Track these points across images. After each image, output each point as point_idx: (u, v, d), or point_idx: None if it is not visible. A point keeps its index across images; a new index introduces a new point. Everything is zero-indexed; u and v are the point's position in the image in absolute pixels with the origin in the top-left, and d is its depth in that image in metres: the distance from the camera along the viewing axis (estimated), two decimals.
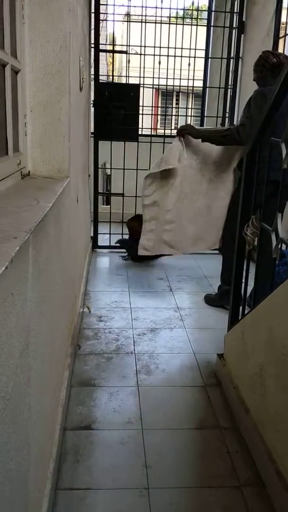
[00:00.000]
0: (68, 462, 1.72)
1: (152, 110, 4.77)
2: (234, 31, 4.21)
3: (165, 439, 1.88)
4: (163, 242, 3.24)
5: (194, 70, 4.40)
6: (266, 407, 1.69)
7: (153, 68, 4.23)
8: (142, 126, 4.52)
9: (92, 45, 3.91)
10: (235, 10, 4.13)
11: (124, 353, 2.53)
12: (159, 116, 8.20)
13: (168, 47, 4.20)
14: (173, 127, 5.57)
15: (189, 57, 4.32)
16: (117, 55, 6.21)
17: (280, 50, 3.86)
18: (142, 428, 1.93)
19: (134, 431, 1.91)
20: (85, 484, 1.62)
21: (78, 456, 1.75)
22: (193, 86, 4.49)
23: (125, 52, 4.25)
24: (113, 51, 4.51)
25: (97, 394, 2.15)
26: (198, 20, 4.42)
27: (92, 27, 3.86)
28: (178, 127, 3.16)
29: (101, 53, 4.11)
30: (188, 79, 4.42)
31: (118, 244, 4.20)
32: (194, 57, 4.34)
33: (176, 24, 4.31)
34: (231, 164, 3.18)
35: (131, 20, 4.19)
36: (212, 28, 4.81)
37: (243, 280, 2.22)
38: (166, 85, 4.45)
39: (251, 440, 1.81)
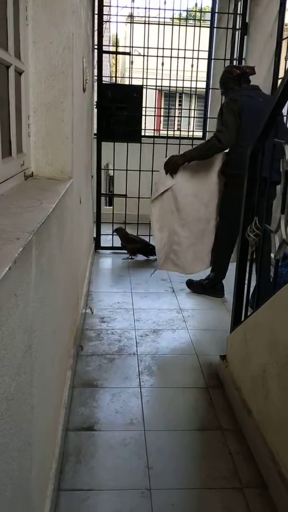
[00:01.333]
0: (70, 463, 1.72)
1: (155, 111, 4.76)
2: (237, 32, 4.21)
3: (167, 440, 1.88)
4: (170, 260, 3.33)
5: (197, 72, 4.40)
6: (268, 408, 1.69)
7: (156, 69, 4.24)
8: (145, 127, 4.52)
9: (95, 47, 3.92)
10: (238, 12, 4.13)
11: (126, 354, 2.53)
12: (162, 117, 8.21)
13: (171, 49, 4.21)
14: (175, 128, 5.57)
15: (192, 58, 4.32)
16: (120, 56, 6.22)
17: (283, 51, 3.86)
18: (144, 429, 1.93)
19: (136, 432, 1.91)
20: (87, 485, 1.62)
21: (80, 457, 1.75)
22: (196, 88, 4.49)
23: (128, 54, 4.25)
24: (116, 53, 4.52)
25: (100, 395, 2.15)
26: (201, 21, 4.41)
27: (95, 28, 3.87)
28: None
29: (104, 54, 4.12)
30: (191, 80, 4.42)
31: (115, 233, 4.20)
32: (197, 58, 4.34)
33: (179, 25, 4.31)
34: (220, 188, 3.28)
35: (134, 21, 4.20)
36: (215, 29, 4.82)
37: (246, 282, 2.22)
38: (169, 86, 4.45)
39: (253, 442, 1.81)
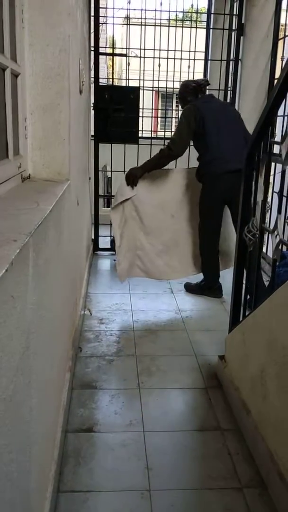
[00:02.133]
0: (69, 465, 1.72)
1: (152, 112, 4.77)
2: (233, 33, 4.22)
3: (166, 441, 1.88)
4: (136, 266, 3.40)
5: (194, 72, 4.41)
6: (267, 408, 1.69)
7: (153, 71, 4.25)
8: (142, 128, 4.53)
9: (92, 48, 3.92)
10: (234, 12, 4.14)
11: (125, 355, 2.53)
12: (159, 119, 8.23)
13: (168, 50, 4.21)
14: (173, 130, 5.57)
15: (189, 59, 4.33)
16: (117, 58, 6.22)
17: (280, 51, 3.87)
18: (143, 430, 1.93)
19: (136, 433, 1.91)
20: (87, 487, 1.62)
21: (80, 459, 1.75)
22: None
23: (125, 55, 4.26)
24: (113, 54, 4.52)
25: (99, 396, 2.16)
26: (198, 22, 4.42)
27: (92, 30, 3.88)
28: None
29: (101, 56, 4.12)
30: None
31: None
32: (194, 59, 4.35)
33: (176, 26, 4.32)
34: (191, 199, 3.40)
35: (130, 23, 4.20)
36: (211, 30, 4.83)
37: (244, 282, 2.23)
38: (166, 88, 4.46)
39: (252, 442, 1.81)
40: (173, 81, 4.40)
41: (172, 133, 3.64)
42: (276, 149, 2.36)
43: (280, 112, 2.93)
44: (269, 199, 3.64)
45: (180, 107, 3.58)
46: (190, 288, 3.52)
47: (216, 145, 3.12)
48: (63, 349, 1.96)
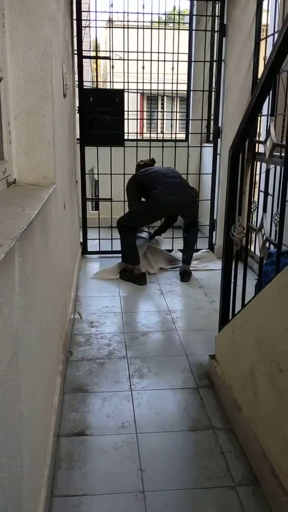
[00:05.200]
0: (62, 469, 1.71)
1: (137, 114, 4.78)
2: (215, 34, 4.25)
3: (159, 442, 1.88)
4: None
5: (177, 74, 4.43)
6: (258, 405, 1.70)
7: (137, 73, 4.26)
8: (128, 131, 4.53)
9: (75, 52, 3.92)
10: (216, 14, 4.17)
11: (116, 358, 2.53)
12: (145, 121, 8.24)
13: (151, 52, 4.23)
14: (159, 131, 5.58)
15: (173, 61, 4.35)
16: (101, 61, 6.22)
17: (262, 52, 3.90)
18: (136, 432, 1.93)
19: (128, 435, 1.91)
20: (81, 491, 1.62)
21: (73, 463, 1.75)
22: (177, 90, 4.52)
23: (108, 58, 4.27)
24: (96, 57, 4.53)
25: (90, 399, 2.15)
26: (180, 24, 4.44)
27: (75, 33, 3.87)
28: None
29: (85, 59, 4.12)
30: (172, 83, 4.45)
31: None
32: (178, 61, 4.37)
33: (159, 29, 4.33)
34: None
35: (113, 26, 4.21)
36: (194, 32, 4.85)
37: (232, 281, 2.24)
38: (151, 90, 4.47)
39: (244, 439, 1.82)
40: (158, 83, 4.42)
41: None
42: (261, 148, 2.38)
43: (265, 111, 2.95)
44: (255, 198, 3.66)
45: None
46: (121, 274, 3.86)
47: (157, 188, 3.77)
48: (53, 353, 1.95)
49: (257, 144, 3.37)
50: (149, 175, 3.90)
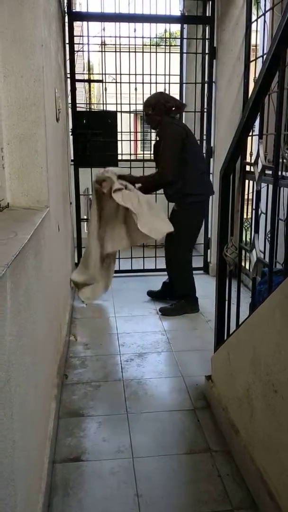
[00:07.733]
0: (58, 496, 1.69)
1: (130, 135, 4.84)
2: (206, 56, 4.33)
3: (156, 466, 1.86)
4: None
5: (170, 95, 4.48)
6: (254, 427, 1.69)
7: (129, 94, 4.32)
8: (122, 151, 4.57)
9: (68, 75, 3.98)
10: (206, 37, 4.25)
11: (112, 381, 2.51)
12: (138, 141, 8.33)
13: (143, 74, 4.29)
14: (152, 152, 5.64)
15: (164, 83, 4.41)
16: (95, 83, 6.32)
17: (252, 73, 3.97)
18: (132, 457, 1.91)
19: (125, 460, 1.89)
20: None
21: (69, 489, 1.72)
22: None
23: (101, 81, 4.33)
24: (89, 81, 4.59)
25: (86, 424, 2.13)
26: (172, 47, 4.52)
27: (68, 57, 3.93)
28: None
29: (78, 82, 4.18)
30: None
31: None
32: (169, 82, 4.43)
33: (150, 52, 4.40)
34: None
35: (106, 50, 4.28)
36: (185, 54, 4.94)
37: (227, 300, 2.24)
38: (143, 111, 4.52)
39: (241, 462, 1.80)
40: None
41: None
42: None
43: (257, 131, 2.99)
44: (249, 216, 3.69)
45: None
46: (167, 311, 3.49)
47: (194, 170, 3.26)
48: (48, 378, 1.93)
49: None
50: (194, 144, 3.37)
